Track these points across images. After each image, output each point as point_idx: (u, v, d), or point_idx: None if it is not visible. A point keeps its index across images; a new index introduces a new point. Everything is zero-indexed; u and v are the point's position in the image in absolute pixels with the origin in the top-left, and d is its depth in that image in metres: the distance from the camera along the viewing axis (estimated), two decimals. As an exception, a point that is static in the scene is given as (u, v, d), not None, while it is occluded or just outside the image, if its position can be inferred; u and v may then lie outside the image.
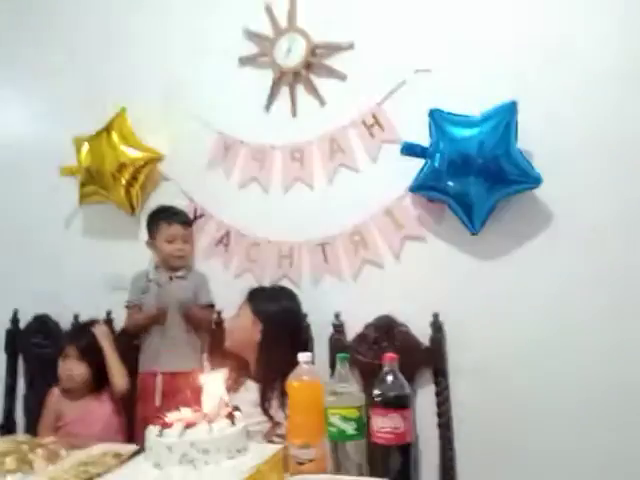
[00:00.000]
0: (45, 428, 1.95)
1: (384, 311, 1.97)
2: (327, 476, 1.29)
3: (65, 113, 2.43)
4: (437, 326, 1.90)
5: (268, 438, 1.65)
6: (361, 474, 1.30)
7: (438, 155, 1.80)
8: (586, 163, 1.78)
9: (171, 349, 2.09)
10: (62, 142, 2.36)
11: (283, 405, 1.67)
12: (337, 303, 2.05)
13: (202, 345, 2.17)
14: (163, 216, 2.18)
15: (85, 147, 2.31)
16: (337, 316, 2.03)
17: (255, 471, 1.17)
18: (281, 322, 1.82)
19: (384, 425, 1.29)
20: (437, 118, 1.82)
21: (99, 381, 2.00)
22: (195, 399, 1.97)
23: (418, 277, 1.96)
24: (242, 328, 1.83)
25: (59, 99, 2.45)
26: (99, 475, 1.27)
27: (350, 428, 1.31)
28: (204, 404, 1.27)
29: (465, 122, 1.79)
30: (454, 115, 1.82)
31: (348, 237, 2.05)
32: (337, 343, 2.00)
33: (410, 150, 1.84)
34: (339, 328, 2.03)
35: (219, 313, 2.19)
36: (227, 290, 2.17)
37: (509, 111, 1.75)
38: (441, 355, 1.89)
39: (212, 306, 2.19)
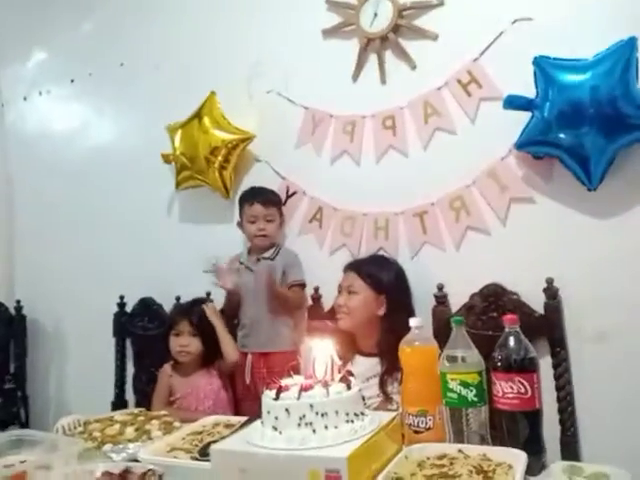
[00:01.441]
0: (158, 403, 2.02)
1: (491, 279, 1.85)
2: (447, 445, 1.22)
3: (159, 103, 2.49)
4: (552, 292, 1.76)
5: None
6: (484, 442, 1.21)
7: (547, 105, 1.66)
8: None
9: (261, 330, 2.09)
10: (159, 131, 2.43)
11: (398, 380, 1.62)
12: (439, 274, 1.95)
13: (295, 324, 2.15)
14: (246, 197, 2.19)
15: (178, 134, 2.36)
16: (440, 288, 1.94)
17: (376, 436, 1.12)
18: (401, 290, 1.79)
19: (508, 390, 1.19)
20: (543, 65, 1.68)
21: (208, 357, 2.04)
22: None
23: (528, 241, 1.83)
24: (363, 305, 1.75)
25: (153, 90, 2.53)
26: (215, 442, 1.26)
27: (471, 394, 1.22)
28: (316, 370, 1.24)
29: (576, 67, 1.64)
30: (562, 60, 1.67)
31: (448, 204, 1.95)
32: (441, 315, 1.90)
33: (514, 103, 1.71)
34: (442, 300, 1.93)
35: (316, 289, 2.16)
36: (323, 266, 2.14)
37: (627, 49, 1.58)
38: (558, 323, 1.75)
39: (302, 285, 2.15)
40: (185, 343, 2.00)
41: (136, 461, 1.25)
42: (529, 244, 1.83)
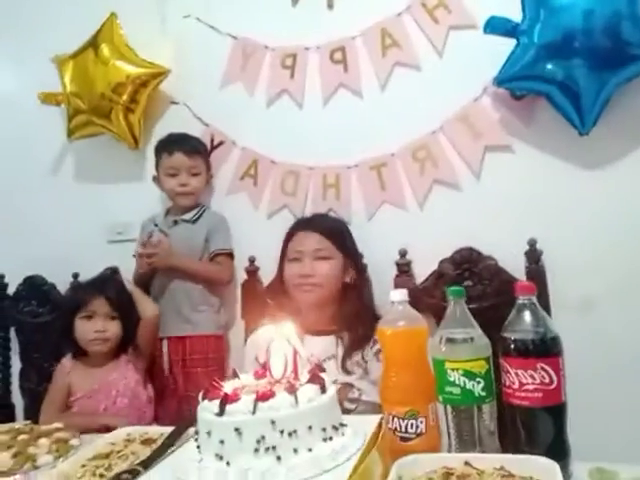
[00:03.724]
0: (51, 411, 1.56)
1: (464, 243, 1.58)
2: (448, 455, 0.93)
3: (39, 27, 1.98)
4: (535, 255, 1.52)
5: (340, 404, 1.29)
6: (495, 449, 0.94)
7: (537, 28, 1.38)
8: None
9: (177, 309, 1.74)
10: (42, 64, 1.91)
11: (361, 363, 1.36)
12: (401, 238, 1.66)
13: (222, 303, 1.80)
14: (164, 145, 1.80)
15: (69, 67, 1.87)
16: (403, 254, 1.64)
17: (367, 457, 0.80)
18: (358, 252, 1.54)
19: (527, 381, 0.92)
20: (534, -20, 1.39)
21: (124, 345, 1.61)
22: (215, 367, 1.70)
23: (506, 197, 1.58)
24: (337, 272, 1.45)
25: (30, 11, 2.00)
26: (128, 473, 0.89)
27: (478, 387, 0.95)
28: (273, 367, 0.88)
29: (572, -16, 1.36)
30: (556, -24, 1.39)
31: (411, 154, 1.65)
32: (404, 286, 1.58)
33: (498, 27, 1.42)
34: (405, 268, 1.64)
35: (252, 261, 1.79)
36: (259, 232, 1.79)
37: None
38: (542, 291, 1.50)
39: (229, 254, 1.78)
40: (101, 328, 1.56)
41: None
42: (507, 200, 1.57)
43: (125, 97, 1.80)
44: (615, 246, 1.48)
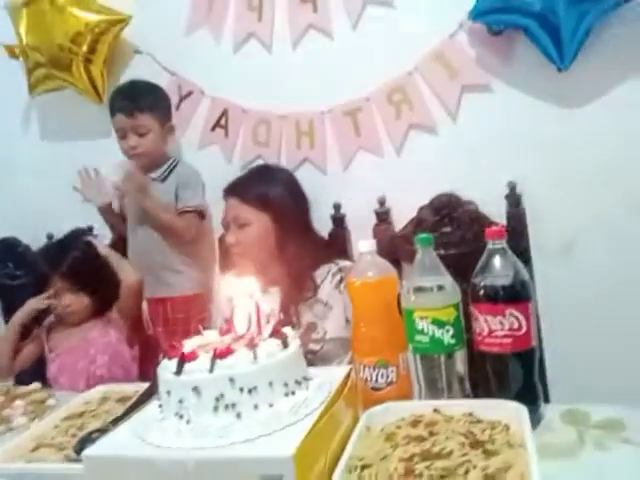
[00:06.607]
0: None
1: (443, 188, 1.53)
2: (418, 403, 0.92)
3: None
4: (515, 198, 1.48)
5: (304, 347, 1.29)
6: (464, 395, 0.93)
7: (514, -44, 1.28)
8: None
9: (151, 268, 1.68)
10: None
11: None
12: (378, 186, 1.61)
13: (200, 259, 1.75)
14: (109, 103, 1.67)
15: (24, 16, 1.76)
16: (381, 202, 1.60)
17: (330, 410, 0.78)
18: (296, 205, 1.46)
19: (496, 327, 0.89)
20: None
21: (101, 306, 1.57)
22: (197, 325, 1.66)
23: (484, 139, 1.52)
24: (261, 236, 1.39)
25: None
26: (99, 432, 0.88)
27: (447, 335, 0.92)
28: (236, 322, 0.86)
29: None
30: None
31: (385, 97, 1.58)
32: (383, 235, 1.57)
33: (472, -45, 1.32)
34: (384, 216, 1.61)
35: (228, 216, 1.74)
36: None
37: None
38: (522, 234, 1.48)
39: (198, 212, 1.68)
40: (66, 304, 1.53)
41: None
42: (486, 142, 1.51)
43: (85, 47, 1.70)
44: (597, 185, 1.43)
